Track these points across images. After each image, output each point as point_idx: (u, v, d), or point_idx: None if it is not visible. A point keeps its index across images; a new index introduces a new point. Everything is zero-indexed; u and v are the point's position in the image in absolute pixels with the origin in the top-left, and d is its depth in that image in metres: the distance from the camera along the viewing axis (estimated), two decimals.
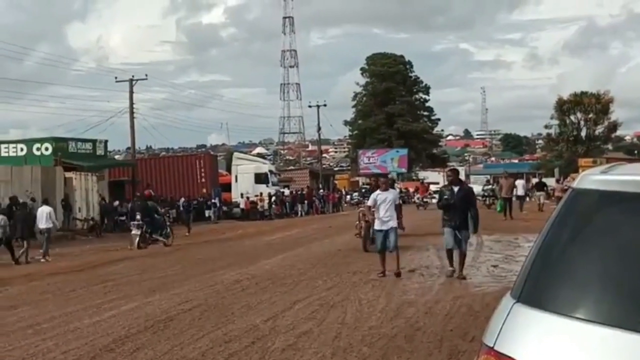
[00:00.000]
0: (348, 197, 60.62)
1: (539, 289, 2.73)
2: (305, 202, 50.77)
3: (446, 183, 15.56)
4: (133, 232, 24.35)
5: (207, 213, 43.05)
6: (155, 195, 40.16)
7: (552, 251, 2.81)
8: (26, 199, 26.81)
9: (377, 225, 13.50)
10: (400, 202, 14.89)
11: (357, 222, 18.93)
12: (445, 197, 13.03)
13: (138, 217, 24.46)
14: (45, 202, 23.54)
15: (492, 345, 2.68)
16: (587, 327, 2.53)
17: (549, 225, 2.93)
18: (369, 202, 13.86)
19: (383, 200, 13.35)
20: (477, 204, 14.07)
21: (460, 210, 12.78)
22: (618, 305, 2.59)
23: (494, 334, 2.71)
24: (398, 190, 29.28)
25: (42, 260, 20.91)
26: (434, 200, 45.56)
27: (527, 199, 34.23)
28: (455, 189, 13.05)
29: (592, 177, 2.96)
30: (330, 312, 9.95)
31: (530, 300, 2.72)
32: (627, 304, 2.57)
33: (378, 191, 13.77)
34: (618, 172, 3.01)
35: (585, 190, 2.91)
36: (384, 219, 13.27)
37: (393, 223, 13.33)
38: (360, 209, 19.48)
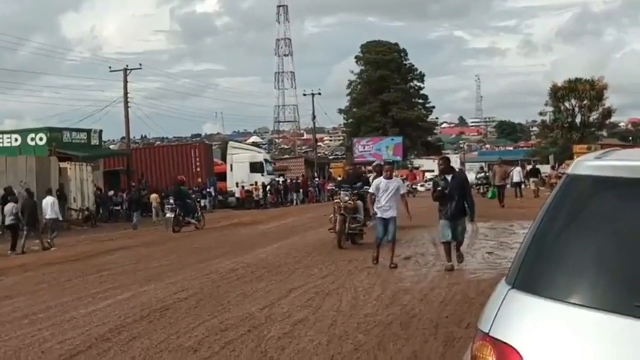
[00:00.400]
0: None
1: (534, 275, 2.74)
2: (301, 190, 50.83)
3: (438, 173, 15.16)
4: (167, 215, 25.86)
5: (202, 202, 43.01)
6: (149, 184, 40.34)
7: (546, 237, 2.81)
8: (21, 189, 27.00)
9: (378, 214, 13.00)
10: (406, 191, 13.98)
11: (332, 216, 16.84)
12: (440, 187, 12.50)
13: (171, 201, 25.71)
14: (49, 192, 24.04)
15: (487, 332, 2.69)
16: (582, 313, 2.54)
17: (544, 211, 2.93)
18: (371, 189, 13.35)
19: (386, 189, 12.91)
20: (472, 191, 13.70)
21: (456, 200, 12.25)
22: (612, 290, 2.60)
23: (490, 320, 2.72)
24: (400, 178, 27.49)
25: (51, 247, 21.49)
26: (423, 189, 45.92)
27: (523, 186, 34.26)
28: (449, 177, 12.51)
29: (587, 164, 2.96)
30: (326, 300, 9.96)
31: (525, 286, 2.72)
32: (622, 289, 2.57)
33: (381, 178, 13.26)
34: (612, 158, 3.02)
35: (580, 177, 2.91)
36: (385, 207, 12.86)
37: (393, 212, 12.91)
38: (335, 201, 17.31)
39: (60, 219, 23.94)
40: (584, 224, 2.79)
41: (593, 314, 2.51)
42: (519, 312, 2.65)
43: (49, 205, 22.50)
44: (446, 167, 13.02)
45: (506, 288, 2.78)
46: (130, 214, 32.73)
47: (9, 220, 21.59)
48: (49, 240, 21.73)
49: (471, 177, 32.62)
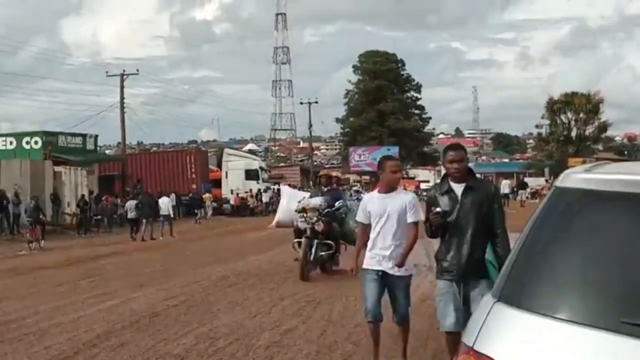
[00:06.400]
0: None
1: (519, 289, 2.70)
2: None
3: (436, 181, 7.24)
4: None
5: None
6: (143, 189, 40.27)
7: (533, 250, 2.78)
8: (15, 192, 27.65)
9: (367, 262, 6.67)
10: (418, 219, 6.51)
11: (295, 242, 13.79)
12: (438, 209, 5.69)
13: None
14: (165, 194, 30.52)
15: (471, 345, 2.65)
16: (567, 327, 2.50)
17: (531, 223, 2.89)
18: (359, 216, 6.89)
19: (380, 213, 6.56)
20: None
21: (469, 238, 5.66)
22: (598, 305, 2.56)
23: (474, 333, 2.68)
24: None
25: (171, 236, 26.31)
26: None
27: (512, 197, 35.10)
28: (458, 189, 5.73)
29: (576, 176, 2.93)
30: (317, 310, 9.92)
31: (510, 299, 2.68)
32: (607, 305, 2.53)
33: (374, 192, 6.93)
34: (601, 171, 2.98)
35: (568, 189, 2.88)
36: (381, 250, 6.56)
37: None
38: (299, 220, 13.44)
39: (172, 215, 28.62)
40: (571, 237, 2.75)
41: (578, 329, 2.47)
42: (503, 326, 2.61)
43: (165, 204, 27.23)
44: (462, 167, 5.83)
45: (491, 301, 2.74)
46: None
47: (131, 214, 26.46)
48: (163, 232, 26.42)
49: None
